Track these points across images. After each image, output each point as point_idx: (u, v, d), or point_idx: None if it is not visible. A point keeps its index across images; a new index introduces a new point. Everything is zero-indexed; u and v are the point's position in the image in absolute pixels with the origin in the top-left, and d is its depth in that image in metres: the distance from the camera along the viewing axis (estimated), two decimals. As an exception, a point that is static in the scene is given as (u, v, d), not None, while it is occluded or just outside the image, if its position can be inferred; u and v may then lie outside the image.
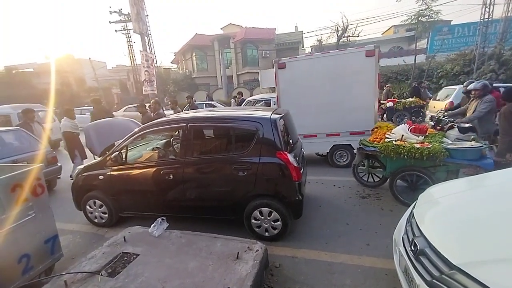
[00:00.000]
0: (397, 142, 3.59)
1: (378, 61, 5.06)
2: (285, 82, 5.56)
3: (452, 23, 19.88)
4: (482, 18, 14.01)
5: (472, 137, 3.57)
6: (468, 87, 4.71)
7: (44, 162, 4.40)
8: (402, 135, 3.74)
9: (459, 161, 3.18)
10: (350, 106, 5.09)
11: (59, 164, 5.17)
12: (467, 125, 3.82)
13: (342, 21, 16.75)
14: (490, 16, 13.91)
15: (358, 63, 5.04)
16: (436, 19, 15.69)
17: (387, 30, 28.15)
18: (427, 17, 15.35)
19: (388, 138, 3.84)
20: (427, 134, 3.88)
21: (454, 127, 3.97)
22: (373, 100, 5.05)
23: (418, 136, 3.75)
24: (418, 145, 3.38)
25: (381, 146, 3.65)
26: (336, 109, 5.17)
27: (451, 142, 3.55)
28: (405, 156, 3.38)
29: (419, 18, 15.40)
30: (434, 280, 1.40)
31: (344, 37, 16.68)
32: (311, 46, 23.66)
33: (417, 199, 2.19)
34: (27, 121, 5.36)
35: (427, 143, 3.44)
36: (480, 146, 3.17)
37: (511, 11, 13.81)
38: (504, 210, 1.65)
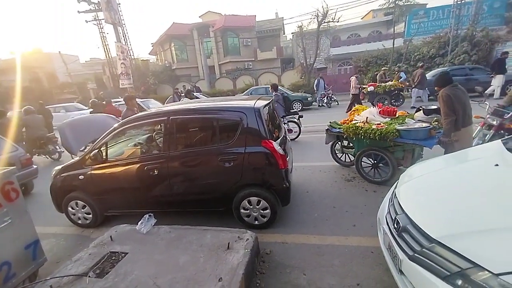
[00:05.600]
0: (359, 124, 3.79)
1: None
2: None
3: (427, 6, 20.29)
4: (455, 0, 14.39)
5: (435, 118, 3.70)
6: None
7: (17, 165, 4.16)
8: (367, 117, 3.91)
9: (406, 140, 3.35)
10: None
11: (34, 166, 4.90)
12: (433, 107, 3.93)
13: (322, 7, 16.62)
14: (463, -2, 14.30)
15: None
16: (412, 3, 15.97)
17: (366, 15, 28.31)
18: (403, 0, 15.57)
19: (356, 120, 4.04)
20: (397, 116, 4.03)
21: (420, 109, 4.11)
22: None
23: (385, 118, 3.89)
24: (374, 127, 3.56)
25: (344, 128, 3.93)
26: None
27: (412, 123, 3.68)
28: (362, 137, 3.62)
29: (396, 2, 15.59)
30: (415, 254, 1.48)
31: (324, 22, 16.60)
32: (292, 33, 23.41)
33: (394, 178, 2.28)
34: (131, 108, 5.07)
35: (383, 125, 3.60)
36: (427, 127, 3.34)
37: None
38: (479, 185, 1.76)
